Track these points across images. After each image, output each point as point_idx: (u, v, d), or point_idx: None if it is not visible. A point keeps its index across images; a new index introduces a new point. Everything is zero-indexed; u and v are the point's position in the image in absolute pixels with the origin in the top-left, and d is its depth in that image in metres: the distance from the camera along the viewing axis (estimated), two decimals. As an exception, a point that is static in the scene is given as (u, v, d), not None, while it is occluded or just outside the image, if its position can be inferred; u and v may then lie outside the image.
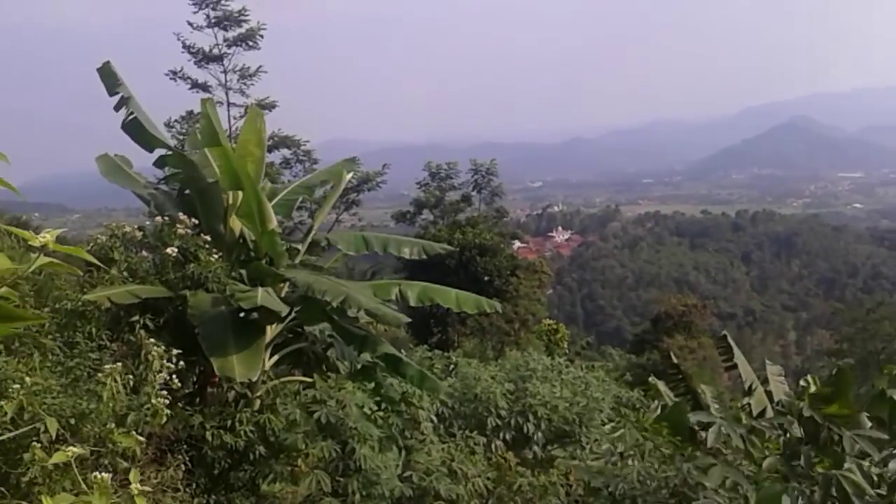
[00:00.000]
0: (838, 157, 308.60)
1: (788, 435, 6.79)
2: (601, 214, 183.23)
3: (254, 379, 6.46)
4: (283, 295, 7.41)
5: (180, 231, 7.11)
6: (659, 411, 12.38)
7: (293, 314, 7.31)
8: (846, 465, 3.05)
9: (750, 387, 11.47)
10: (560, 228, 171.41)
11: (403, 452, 6.29)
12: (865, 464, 3.16)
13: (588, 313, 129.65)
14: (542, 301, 32.80)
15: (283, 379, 7.48)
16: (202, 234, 7.27)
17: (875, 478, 3.13)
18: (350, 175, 8.93)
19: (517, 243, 42.77)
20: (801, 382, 12.06)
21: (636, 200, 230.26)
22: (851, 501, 2.82)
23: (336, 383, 6.91)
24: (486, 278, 28.50)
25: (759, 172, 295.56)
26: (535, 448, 6.79)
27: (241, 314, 6.91)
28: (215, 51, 25.19)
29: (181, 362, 5.86)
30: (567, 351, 30.88)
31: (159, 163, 8.19)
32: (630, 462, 4.65)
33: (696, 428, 11.82)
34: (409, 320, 6.88)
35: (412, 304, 7.54)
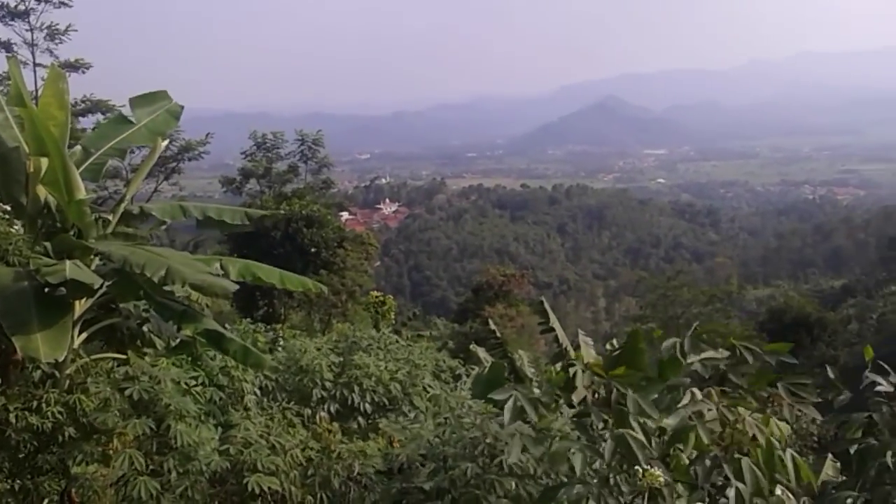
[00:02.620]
0: (645, 134, 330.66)
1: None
2: (427, 187, 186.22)
3: (60, 358, 6.08)
4: (93, 268, 7.01)
5: (-26, 201, 6.55)
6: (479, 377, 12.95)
7: (105, 288, 6.94)
8: (631, 423, 3.38)
9: (562, 350, 12.23)
10: (387, 200, 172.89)
11: (221, 428, 6.19)
12: (649, 421, 3.52)
13: (415, 284, 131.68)
14: (370, 273, 32.97)
15: (94, 356, 7.11)
16: (1, 204, 6.74)
17: (656, 432, 3.48)
18: (166, 142, 8.51)
19: (345, 215, 42.63)
20: (607, 346, 13.01)
21: (461, 174, 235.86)
22: (635, 454, 3.13)
23: (152, 359, 6.67)
24: (312, 250, 28.22)
25: (573, 148, 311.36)
26: (360, 418, 6.89)
27: (46, 290, 6.48)
28: (21, 6, 23.16)
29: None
30: (394, 322, 31.27)
31: (-48, 125, 7.47)
32: (447, 424, 4.86)
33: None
34: (237, 287, 6.71)
35: (233, 278, 7.35)
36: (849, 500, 2.88)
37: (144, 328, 7.58)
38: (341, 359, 7.60)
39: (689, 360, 10.97)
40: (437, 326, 38.87)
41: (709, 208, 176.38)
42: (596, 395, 12.12)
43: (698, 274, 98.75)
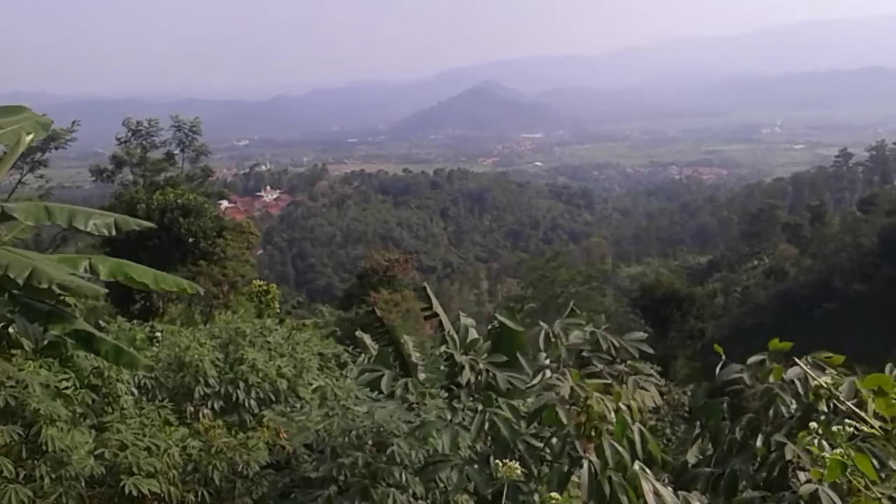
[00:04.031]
0: (521, 119, 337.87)
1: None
2: (309, 173, 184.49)
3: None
4: (-51, 269, 6.59)
5: None
6: (365, 364, 13.03)
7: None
8: (499, 402, 3.54)
9: (447, 334, 12.45)
10: (268, 188, 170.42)
11: (96, 430, 5.97)
12: (518, 402, 3.67)
13: (299, 272, 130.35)
14: (252, 262, 32.38)
15: (-46, 362, 6.70)
16: None
17: (524, 412, 3.64)
18: (31, 136, 8.04)
19: (225, 203, 41.65)
20: (488, 327, 13.34)
21: (342, 159, 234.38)
22: (501, 432, 3.28)
23: (18, 363, 6.35)
24: (190, 240, 27.54)
25: (453, 133, 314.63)
26: (245, 414, 6.79)
27: None
28: None
29: None
30: (279, 310, 30.87)
31: None
32: (334, 416, 4.88)
33: (400, 377, 12.61)
34: (107, 290, 6.46)
35: (103, 278, 7.05)
36: (704, 477, 3.10)
37: (10, 329, 7.21)
38: (226, 354, 7.44)
39: (565, 341, 11.42)
40: (323, 314, 38.64)
41: (583, 190, 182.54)
42: (479, 378, 12.44)
43: (575, 254, 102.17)
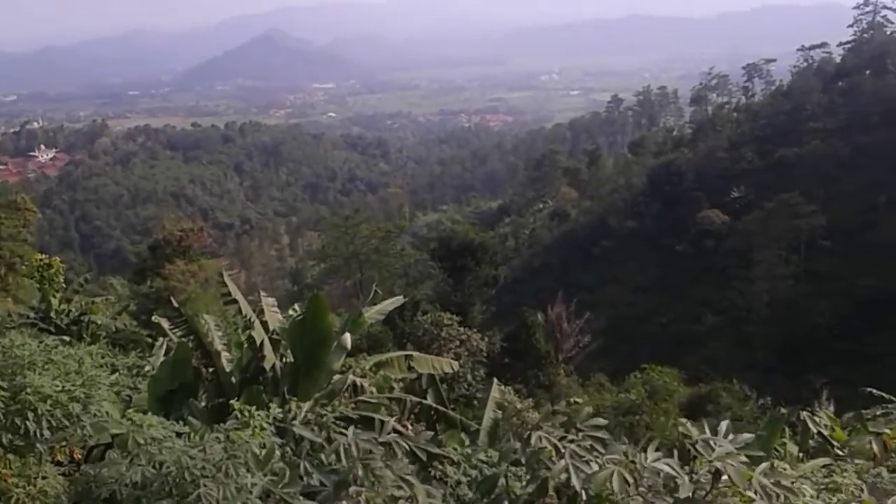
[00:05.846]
0: (311, 68, 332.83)
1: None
2: (87, 130, 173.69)
3: None
4: None
5: None
6: (164, 353, 12.86)
7: None
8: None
9: (248, 320, 12.55)
10: (43, 147, 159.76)
11: None
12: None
13: (84, 236, 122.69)
14: (30, 241, 30.27)
15: None
16: None
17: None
18: None
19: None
20: (290, 311, 13.53)
21: (124, 114, 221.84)
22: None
23: None
24: (-43, 223, 25.36)
25: (242, 84, 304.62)
26: (38, 445, 6.57)
27: None
28: None
29: None
30: (65, 286, 29.05)
31: None
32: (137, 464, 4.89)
33: (202, 367, 12.62)
34: None
35: None
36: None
37: None
38: (9, 382, 7.01)
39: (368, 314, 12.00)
40: (115, 288, 36.84)
41: (378, 140, 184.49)
42: (283, 359, 12.79)
43: (374, 205, 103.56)
